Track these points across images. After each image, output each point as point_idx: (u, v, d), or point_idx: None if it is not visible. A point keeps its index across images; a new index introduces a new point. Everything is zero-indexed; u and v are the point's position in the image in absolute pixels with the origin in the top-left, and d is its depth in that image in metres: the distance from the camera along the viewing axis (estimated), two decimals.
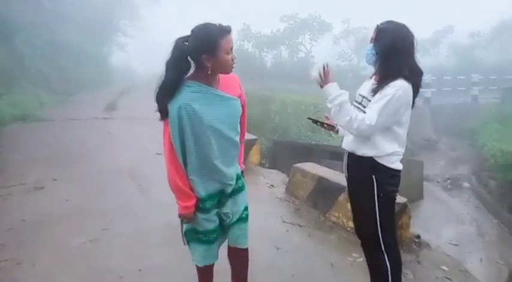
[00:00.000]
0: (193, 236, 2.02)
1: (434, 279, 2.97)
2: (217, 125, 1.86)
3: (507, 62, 19.77)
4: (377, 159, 2.14)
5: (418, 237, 3.78)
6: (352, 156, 2.26)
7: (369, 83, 2.25)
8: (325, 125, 2.44)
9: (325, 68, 2.19)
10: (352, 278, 2.86)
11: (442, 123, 14.09)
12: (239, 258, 2.17)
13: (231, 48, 1.83)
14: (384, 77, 2.11)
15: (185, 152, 1.86)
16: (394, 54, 2.08)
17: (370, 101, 2.14)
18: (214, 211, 1.98)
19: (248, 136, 5.55)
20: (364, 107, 2.16)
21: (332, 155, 7.06)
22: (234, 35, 1.88)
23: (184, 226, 2.02)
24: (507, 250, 5.90)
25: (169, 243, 3.23)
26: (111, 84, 20.73)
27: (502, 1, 26.94)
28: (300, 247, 3.43)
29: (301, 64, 21.52)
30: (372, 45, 2.15)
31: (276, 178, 5.56)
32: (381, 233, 2.18)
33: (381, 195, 2.15)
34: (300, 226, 3.86)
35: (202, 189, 1.92)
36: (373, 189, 2.15)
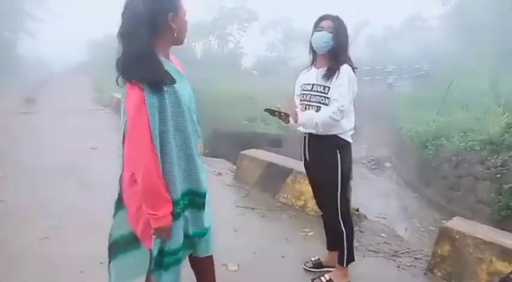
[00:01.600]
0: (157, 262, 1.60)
1: (376, 244, 3.36)
2: (191, 106, 1.61)
3: (415, 53, 21.93)
4: (340, 136, 2.42)
5: (357, 210, 4.19)
6: (313, 137, 2.46)
7: (314, 72, 2.49)
8: (282, 114, 2.44)
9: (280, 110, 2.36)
10: (307, 248, 3.12)
11: (363, 110, 15.19)
12: (211, 265, 1.92)
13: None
14: (334, 64, 2.38)
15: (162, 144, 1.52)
16: (347, 44, 2.44)
17: (323, 86, 2.38)
18: (183, 215, 1.63)
19: None
20: (320, 92, 2.39)
21: (271, 142, 7.37)
22: None
23: (157, 250, 1.58)
24: (426, 219, 6.73)
25: None
26: (21, 75, 18.90)
27: None
28: (255, 227, 3.63)
29: (231, 55, 21.64)
30: (330, 35, 2.36)
31: (222, 166, 5.68)
32: (340, 202, 2.45)
33: (343, 167, 2.42)
34: (253, 209, 4.05)
35: (179, 188, 1.58)
36: (337, 163, 2.41)
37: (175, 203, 1.56)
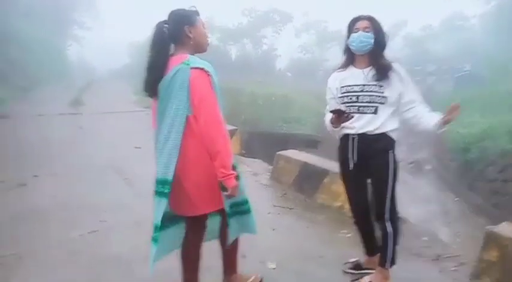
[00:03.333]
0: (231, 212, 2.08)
1: (418, 248, 3.29)
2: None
3: (456, 53, 21.09)
4: (390, 134, 2.42)
5: (398, 212, 4.11)
6: (366, 137, 2.41)
7: (358, 72, 2.44)
8: (350, 115, 2.34)
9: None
10: (347, 250, 3.10)
11: None
12: None
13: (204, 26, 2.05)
14: (382, 62, 2.40)
15: None
16: (385, 42, 2.43)
17: (378, 85, 2.37)
18: None
19: (228, 126, 5.73)
20: (374, 91, 2.37)
21: (307, 143, 7.35)
22: None
23: (228, 204, 2.03)
24: (469, 224, 6.46)
25: None
26: (69, 78, 19.93)
27: None
28: (293, 227, 3.65)
29: (265, 57, 21.75)
30: (369, 34, 2.36)
31: (258, 166, 5.74)
32: (390, 201, 2.43)
33: (394, 167, 2.42)
34: (290, 209, 4.08)
35: None
36: (390, 162, 2.40)
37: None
